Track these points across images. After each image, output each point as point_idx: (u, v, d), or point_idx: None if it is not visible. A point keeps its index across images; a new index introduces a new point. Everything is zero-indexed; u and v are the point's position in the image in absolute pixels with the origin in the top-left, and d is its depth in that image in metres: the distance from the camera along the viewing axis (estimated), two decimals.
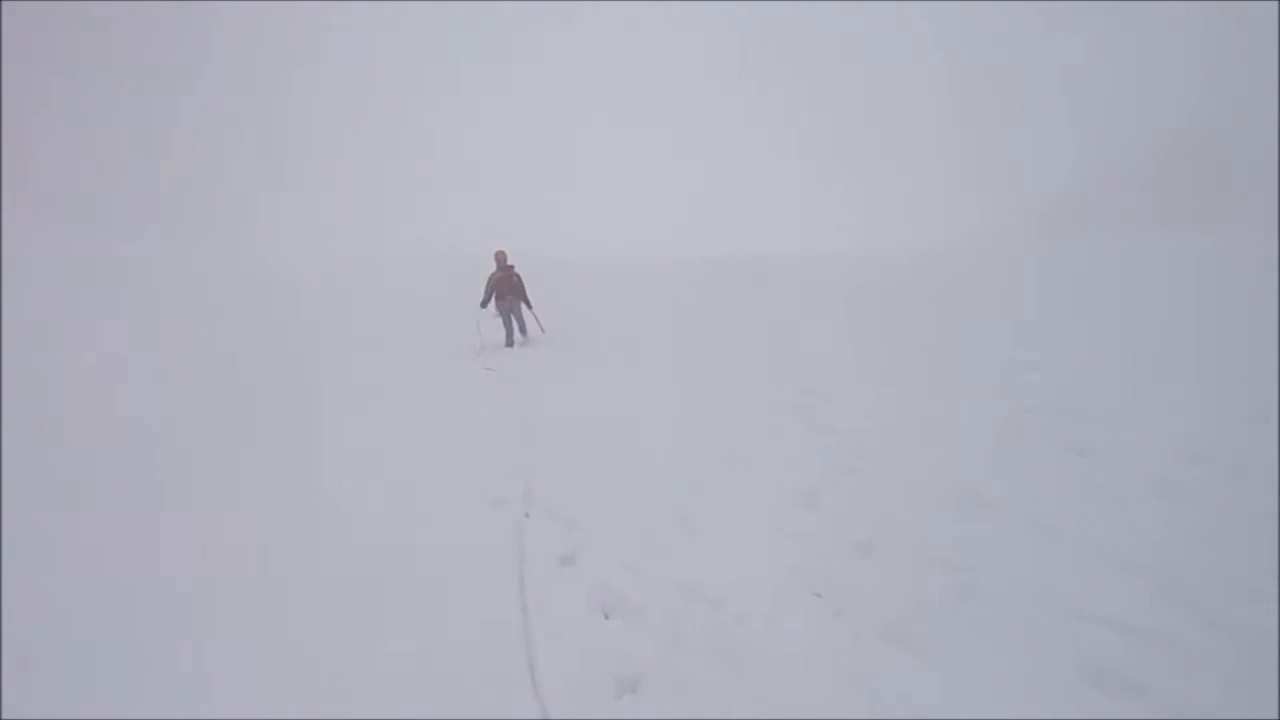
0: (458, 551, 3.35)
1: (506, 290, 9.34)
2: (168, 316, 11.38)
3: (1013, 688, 2.03)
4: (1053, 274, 11.17)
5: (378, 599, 2.95)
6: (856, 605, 2.57)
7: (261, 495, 4.30)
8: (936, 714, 1.96)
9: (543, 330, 9.73)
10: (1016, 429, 4.16)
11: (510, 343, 9.39)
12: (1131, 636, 2.17)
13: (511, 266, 9.42)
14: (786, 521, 3.36)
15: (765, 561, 2.98)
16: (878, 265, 15.56)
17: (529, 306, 9.59)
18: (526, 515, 3.65)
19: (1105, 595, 2.39)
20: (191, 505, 4.16)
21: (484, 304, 9.44)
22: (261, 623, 2.81)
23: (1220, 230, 14.74)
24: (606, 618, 2.70)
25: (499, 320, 9.54)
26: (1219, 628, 2.16)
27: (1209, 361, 5.02)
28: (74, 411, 6.24)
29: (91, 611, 2.97)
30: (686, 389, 6.19)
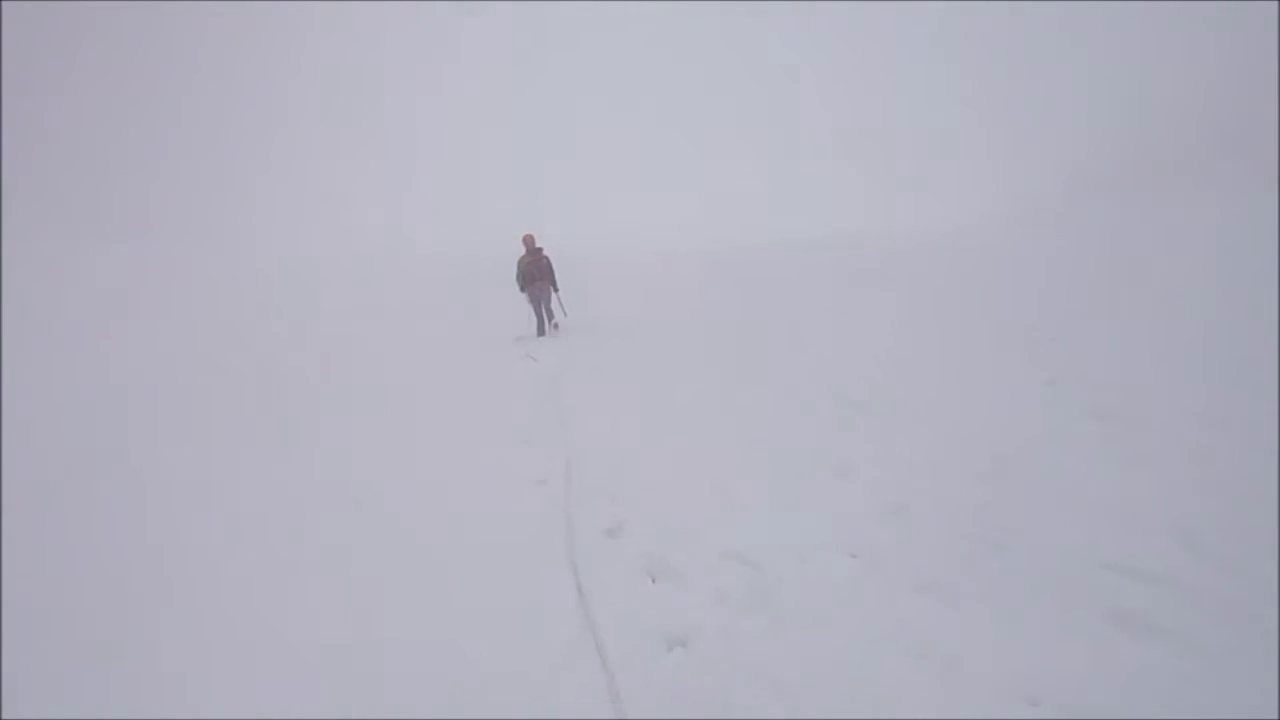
0: (507, 527, 3.55)
1: (536, 275, 9.32)
2: (200, 317, 11.78)
3: (1040, 632, 2.18)
4: (1079, 245, 11.08)
5: (434, 575, 3.13)
6: (891, 563, 2.73)
7: (306, 482, 4.54)
8: (966, 658, 2.11)
9: (565, 314, 9.74)
10: (1042, 399, 4.25)
11: (542, 330, 9.44)
12: (1154, 584, 2.30)
13: (540, 249, 9.39)
14: (820, 492, 3.51)
15: (802, 528, 3.13)
16: (905, 243, 15.50)
17: (556, 290, 9.58)
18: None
19: (1129, 547, 2.52)
20: (240, 497, 4.41)
21: (522, 289, 9.46)
22: (326, 603, 3.00)
23: (1252, 196, 14.39)
24: (653, 582, 2.88)
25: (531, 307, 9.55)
26: (1236, 575, 2.28)
27: (1232, 332, 5.04)
28: (88, 411, 6.55)
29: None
30: (718, 373, 6.33)
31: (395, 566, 3.24)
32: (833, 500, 3.37)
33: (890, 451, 3.90)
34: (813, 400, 5.05)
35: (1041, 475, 3.23)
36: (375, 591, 3.03)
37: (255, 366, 8.44)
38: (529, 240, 9.39)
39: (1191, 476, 2.97)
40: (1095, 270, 8.50)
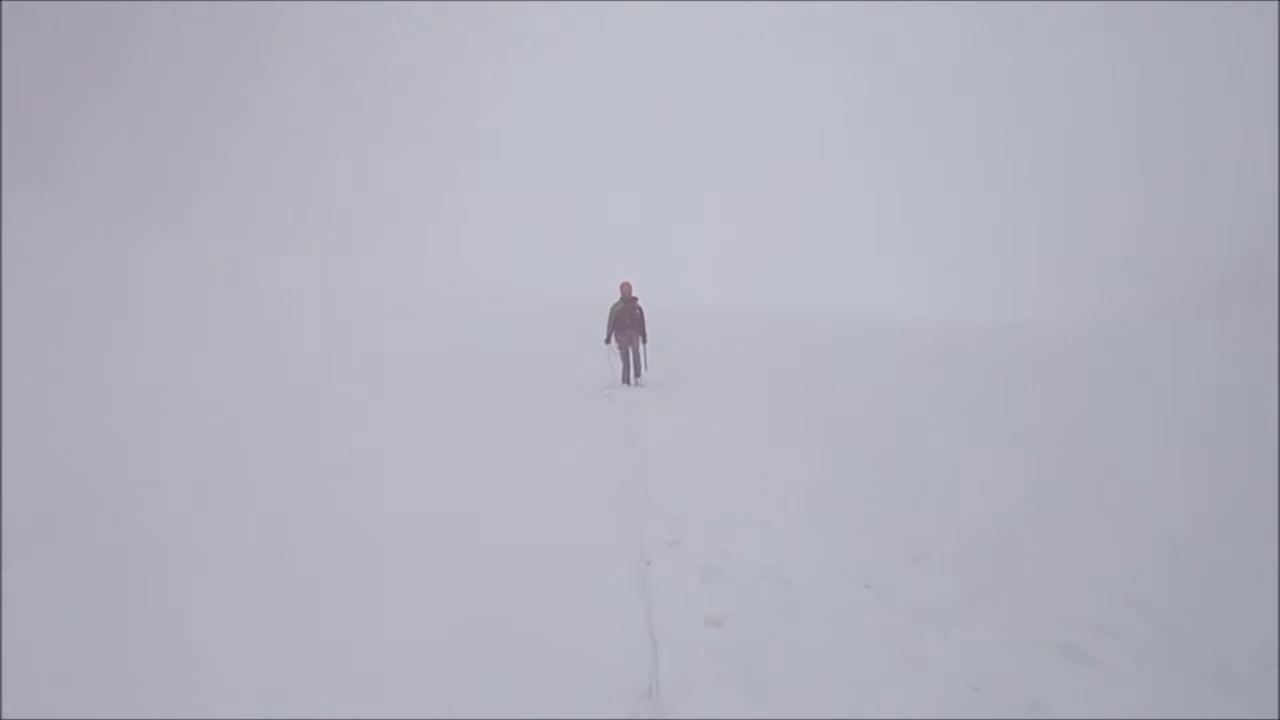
0: (590, 536, 4.41)
1: (628, 323, 9.57)
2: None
3: (997, 650, 2.82)
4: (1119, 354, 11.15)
5: (527, 571, 3.98)
6: (898, 595, 3.39)
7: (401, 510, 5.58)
8: (932, 658, 2.77)
9: (646, 367, 9.91)
10: (1059, 489, 4.80)
11: (628, 378, 9.78)
12: (1100, 631, 2.89)
13: (635, 299, 9.63)
14: (853, 538, 4.19)
15: (831, 561, 3.83)
16: (957, 332, 15.82)
17: (645, 340, 9.75)
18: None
19: (1089, 605, 3.10)
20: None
21: (608, 339, 9.74)
22: (441, 599, 3.97)
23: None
24: (703, 583, 3.65)
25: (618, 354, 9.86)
26: (1170, 632, 2.84)
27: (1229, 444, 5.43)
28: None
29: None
30: (775, 424, 7.05)
31: (497, 575, 4.15)
32: (862, 546, 4.05)
33: (921, 515, 4.52)
34: (866, 464, 5.68)
35: (1039, 548, 3.82)
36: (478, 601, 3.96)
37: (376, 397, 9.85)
38: (626, 288, 9.69)
39: (1155, 557, 3.51)
40: (1141, 384, 8.75)
